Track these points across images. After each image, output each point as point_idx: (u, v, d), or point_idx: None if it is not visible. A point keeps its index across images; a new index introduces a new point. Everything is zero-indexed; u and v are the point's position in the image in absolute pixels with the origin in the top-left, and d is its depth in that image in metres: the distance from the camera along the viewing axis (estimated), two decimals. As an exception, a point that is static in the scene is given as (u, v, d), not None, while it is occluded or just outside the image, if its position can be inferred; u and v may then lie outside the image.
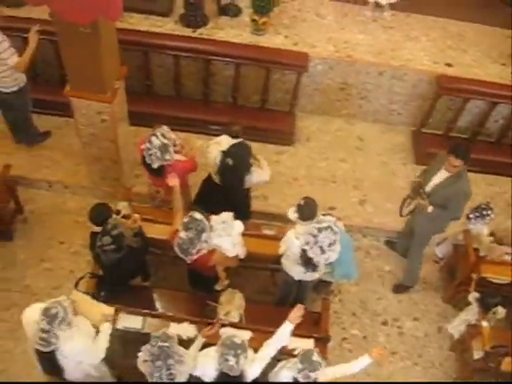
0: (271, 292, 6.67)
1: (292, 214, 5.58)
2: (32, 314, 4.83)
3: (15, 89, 6.85)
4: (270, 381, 5.15)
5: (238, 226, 5.61)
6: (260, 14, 7.46)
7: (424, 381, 6.55)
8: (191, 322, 5.63)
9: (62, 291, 5.88)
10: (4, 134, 7.52)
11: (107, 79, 6.16)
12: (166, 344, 4.70)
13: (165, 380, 4.72)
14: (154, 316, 5.77)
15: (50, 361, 4.93)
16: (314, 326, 5.83)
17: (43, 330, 4.67)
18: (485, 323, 6.06)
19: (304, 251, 5.38)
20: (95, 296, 5.72)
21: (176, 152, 5.92)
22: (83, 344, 4.98)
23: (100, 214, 5.52)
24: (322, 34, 7.79)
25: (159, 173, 5.92)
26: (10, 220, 7.10)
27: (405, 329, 6.86)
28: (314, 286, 6.27)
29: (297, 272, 5.76)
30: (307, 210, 5.49)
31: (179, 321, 5.65)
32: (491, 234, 6.68)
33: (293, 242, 5.53)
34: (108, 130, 6.58)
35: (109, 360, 5.81)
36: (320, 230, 5.26)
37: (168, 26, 7.64)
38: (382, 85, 7.80)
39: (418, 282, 7.02)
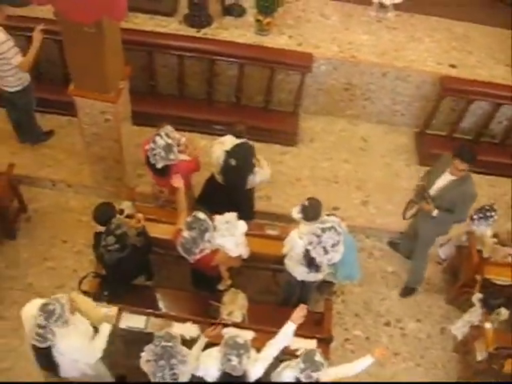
0: (274, 292, 6.67)
1: (296, 214, 5.58)
2: (30, 309, 4.86)
3: (19, 88, 6.86)
4: (273, 381, 5.14)
5: (242, 226, 5.61)
6: (264, 15, 7.46)
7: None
8: (194, 322, 5.64)
9: (65, 290, 5.88)
10: (8, 134, 7.54)
11: (111, 79, 6.17)
12: (170, 344, 4.71)
13: (168, 380, 4.72)
14: (156, 316, 5.77)
15: (46, 357, 4.95)
16: (316, 327, 5.83)
17: (40, 326, 4.68)
18: (488, 325, 6.05)
19: (307, 251, 5.38)
20: (98, 295, 5.75)
21: (180, 152, 5.93)
22: (79, 343, 4.98)
23: (104, 214, 5.52)
24: (326, 35, 7.79)
25: (163, 173, 5.92)
26: (14, 219, 7.12)
27: (408, 330, 6.86)
28: (317, 286, 6.27)
29: (300, 272, 5.76)
30: (311, 211, 5.49)
31: (182, 320, 5.65)
32: (495, 236, 6.68)
33: (296, 242, 5.53)
34: (111, 130, 6.59)
35: (111, 359, 5.85)
36: (324, 230, 5.26)
37: (172, 26, 7.65)
38: (386, 86, 7.80)
39: (422, 283, 7.01)
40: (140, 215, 5.72)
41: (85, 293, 5.77)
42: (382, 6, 7.94)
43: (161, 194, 6.40)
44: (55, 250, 7.05)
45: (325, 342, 5.69)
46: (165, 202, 6.44)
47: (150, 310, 5.78)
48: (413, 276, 6.95)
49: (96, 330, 5.23)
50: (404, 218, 6.71)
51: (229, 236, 5.48)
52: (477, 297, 6.22)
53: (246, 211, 6.22)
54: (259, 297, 6.55)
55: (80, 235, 7.07)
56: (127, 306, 5.75)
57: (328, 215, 5.60)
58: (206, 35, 7.59)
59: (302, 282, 5.91)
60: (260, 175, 6.27)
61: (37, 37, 6.61)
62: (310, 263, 5.46)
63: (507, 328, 6.29)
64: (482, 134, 7.95)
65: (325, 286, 6.56)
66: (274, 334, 5.11)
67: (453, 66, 7.66)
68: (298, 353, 4.94)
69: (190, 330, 5.55)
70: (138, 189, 6.97)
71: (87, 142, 6.84)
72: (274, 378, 5.12)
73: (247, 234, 5.72)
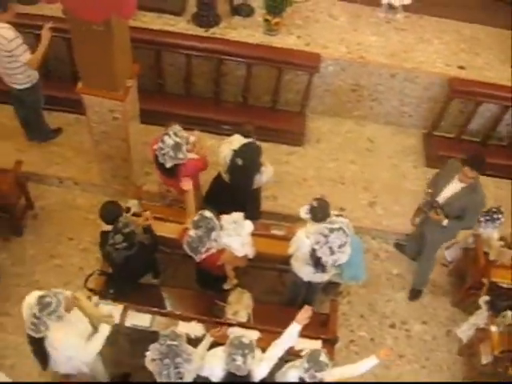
0: (279, 292, 6.68)
1: (304, 215, 5.57)
2: (30, 299, 4.89)
3: (28, 85, 6.88)
4: (277, 381, 5.15)
5: (248, 225, 5.60)
6: (273, 14, 7.45)
7: (431, 384, 6.55)
8: (199, 321, 5.65)
9: (71, 288, 5.89)
10: (17, 131, 7.56)
11: (119, 77, 6.18)
12: (175, 342, 4.71)
13: (173, 378, 4.73)
14: (162, 314, 5.78)
15: (38, 347, 4.99)
16: (321, 328, 5.82)
17: (34, 316, 4.73)
18: (494, 328, 6.03)
19: (314, 250, 5.37)
20: (104, 293, 5.76)
21: (188, 150, 5.93)
22: (74, 340, 4.99)
23: (111, 213, 5.53)
24: (335, 35, 7.77)
25: (172, 172, 5.92)
26: (21, 216, 7.15)
27: (413, 332, 6.84)
28: (322, 287, 6.26)
29: (306, 273, 5.75)
30: (320, 212, 5.49)
31: (187, 319, 5.66)
32: (501, 238, 6.66)
33: (303, 242, 5.52)
34: (120, 128, 6.60)
35: (116, 358, 5.87)
36: (332, 230, 5.25)
37: (180, 25, 7.65)
38: (394, 87, 7.78)
39: (427, 284, 7.00)
40: (148, 213, 5.73)
41: (91, 290, 5.80)
42: (390, 7, 7.91)
43: (168, 194, 6.41)
44: (62, 248, 7.08)
45: (330, 343, 5.69)
46: (172, 201, 6.45)
47: (156, 309, 5.78)
48: (418, 278, 6.94)
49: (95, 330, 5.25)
50: (412, 225, 6.72)
51: (235, 236, 5.48)
52: (483, 299, 6.19)
53: (252, 211, 6.23)
54: (265, 297, 6.55)
55: (86, 233, 7.09)
56: (133, 305, 5.77)
57: (337, 216, 5.60)
58: (214, 35, 7.59)
59: (308, 282, 5.90)
60: (266, 175, 6.27)
61: (45, 35, 6.63)
62: (317, 263, 5.44)
63: (513, 331, 6.28)
64: (489, 137, 7.92)
65: (330, 286, 6.56)
66: (279, 334, 5.10)
67: (461, 68, 7.64)
68: (303, 353, 4.92)
69: (195, 329, 5.56)
70: (144, 187, 6.97)
71: (96, 140, 6.85)
72: (279, 377, 5.13)
73: (253, 234, 5.71)
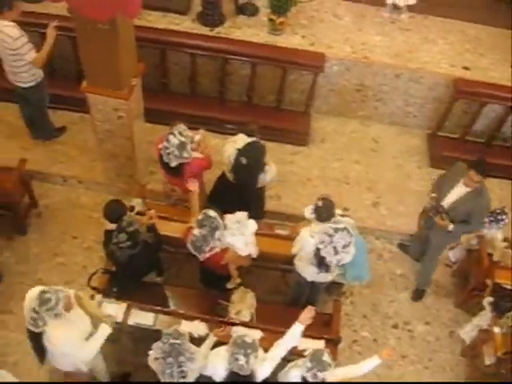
0: (282, 292, 6.68)
1: (309, 214, 5.57)
2: (32, 293, 4.90)
3: (32, 84, 6.89)
4: (280, 380, 5.14)
5: (252, 225, 5.61)
6: (277, 14, 7.45)
7: (434, 384, 6.54)
8: (202, 320, 5.65)
9: (75, 286, 5.90)
10: (21, 129, 7.58)
11: (124, 76, 6.18)
12: (178, 341, 4.71)
13: (176, 377, 4.73)
14: (165, 313, 5.79)
15: (36, 341, 5.01)
16: (324, 328, 5.81)
17: (34, 310, 4.76)
18: (497, 329, 6.02)
19: (318, 250, 5.37)
20: (107, 292, 5.77)
21: (192, 149, 5.93)
22: (73, 340, 5.00)
23: (115, 211, 5.52)
24: (339, 35, 7.77)
25: (177, 171, 5.94)
26: (25, 214, 7.16)
27: (416, 332, 6.83)
28: (326, 287, 6.26)
29: (310, 273, 5.75)
30: (325, 211, 5.49)
31: (190, 318, 5.66)
32: (505, 240, 6.65)
33: (307, 241, 5.51)
34: (124, 127, 6.60)
35: (119, 356, 5.88)
36: (336, 230, 5.25)
37: (185, 24, 7.66)
38: (399, 87, 7.77)
39: (430, 285, 6.99)
40: (152, 212, 5.74)
41: (94, 289, 5.80)
42: (395, 7, 7.91)
43: (173, 193, 6.42)
44: (65, 246, 7.09)
45: (333, 343, 5.69)
46: (177, 201, 6.45)
47: (159, 308, 5.79)
48: (421, 278, 6.93)
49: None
50: (419, 229, 6.71)
51: (239, 235, 5.49)
52: (487, 300, 6.18)
53: (256, 210, 6.23)
54: (268, 296, 6.55)
55: (90, 231, 7.10)
56: (136, 303, 5.77)
57: (341, 216, 5.59)
58: (219, 34, 7.60)
59: (312, 282, 5.90)
60: (270, 174, 6.28)
61: (51, 33, 6.64)
62: (321, 263, 5.44)
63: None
64: (494, 137, 7.90)
65: (334, 287, 6.55)
66: (282, 334, 5.10)
67: (466, 69, 7.63)
68: (306, 353, 4.93)
69: (198, 328, 5.56)
70: (148, 186, 6.99)
71: (100, 138, 6.86)
72: (281, 377, 5.13)
73: (257, 234, 5.72)
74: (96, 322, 5.26)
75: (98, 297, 5.74)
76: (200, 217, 5.34)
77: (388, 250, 7.40)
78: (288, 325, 5.10)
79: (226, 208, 5.57)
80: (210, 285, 6.16)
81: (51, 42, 6.65)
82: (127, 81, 6.29)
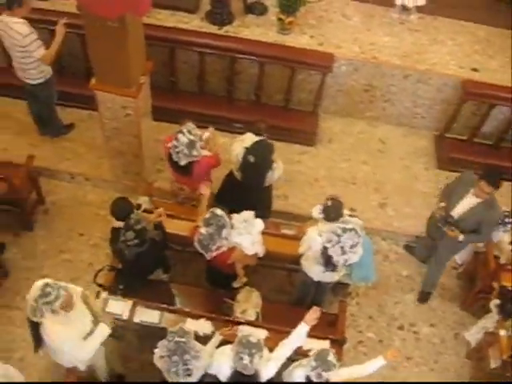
0: (287, 292, 6.68)
1: (317, 214, 5.57)
2: (39, 282, 4.92)
3: (41, 81, 6.91)
4: (284, 380, 5.15)
5: (259, 224, 5.61)
6: (286, 14, 7.44)
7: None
8: (207, 319, 5.65)
9: (81, 283, 5.91)
10: (29, 126, 7.60)
11: (133, 74, 6.19)
12: (183, 339, 4.72)
13: (181, 375, 4.74)
14: (171, 311, 5.79)
15: (34, 330, 5.04)
16: (330, 328, 5.81)
17: (34, 300, 4.80)
18: (503, 332, 5.99)
19: (325, 249, 5.36)
20: (113, 289, 5.78)
21: (201, 148, 5.93)
22: (70, 338, 5.01)
23: (122, 209, 5.52)
24: (348, 35, 7.76)
25: (186, 170, 5.95)
26: (32, 210, 7.18)
27: (421, 334, 6.82)
28: (331, 287, 6.25)
29: (316, 272, 5.74)
30: (333, 211, 5.49)
31: (196, 317, 5.67)
32: (512, 243, 6.62)
33: (315, 240, 5.50)
34: (132, 125, 6.61)
35: (124, 354, 5.89)
36: (345, 230, 5.25)
37: (194, 22, 7.66)
38: (407, 88, 7.75)
39: (436, 287, 6.97)
40: (161, 210, 5.74)
41: (100, 286, 5.82)
42: (404, 8, 7.89)
43: (180, 192, 6.42)
44: (72, 243, 7.11)
45: (338, 344, 5.68)
46: (184, 200, 6.46)
47: (165, 305, 5.80)
48: (428, 281, 6.90)
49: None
50: (427, 235, 6.70)
51: (246, 234, 5.49)
52: (494, 303, 6.15)
53: (263, 209, 6.24)
54: (274, 296, 6.57)
55: (97, 229, 7.12)
56: (142, 301, 5.78)
57: (350, 216, 5.58)
58: (227, 33, 7.60)
59: (318, 282, 5.90)
60: (278, 171, 6.27)
61: (60, 30, 6.65)
62: (327, 262, 5.43)
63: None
64: (502, 139, 7.87)
65: (339, 287, 6.55)
66: (288, 333, 5.11)
67: (475, 70, 7.60)
68: (311, 353, 4.92)
69: (203, 326, 5.57)
70: (155, 184, 7.00)
71: (107, 136, 6.87)
72: (285, 376, 5.14)
73: (263, 233, 5.72)
74: (99, 321, 5.30)
75: (104, 294, 5.75)
76: (207, 215, 5.35)
77: (394, 251, 7.39)
78: (293, 325, 5.10)
79: (233, 207, 5.58)
80: (216, 283, 6.16)
81: (60, 39, 6.66)
82: (136, 79, 6.30)
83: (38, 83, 6.92)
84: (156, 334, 5.32)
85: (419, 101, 7.90)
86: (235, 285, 6.01)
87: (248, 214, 5.55)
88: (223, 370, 4.89)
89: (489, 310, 6.24)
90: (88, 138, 7.69)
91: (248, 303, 5.78)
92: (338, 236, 5.25)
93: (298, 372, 4.94)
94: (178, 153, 5.78)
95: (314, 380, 4.75)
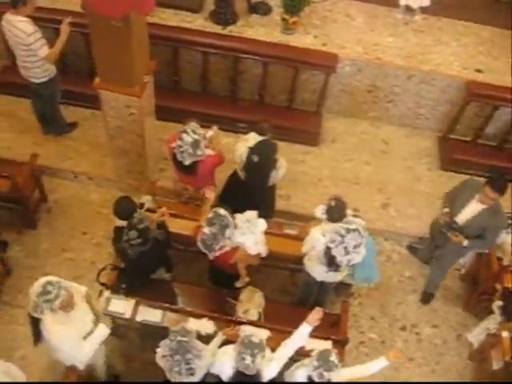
0: (290, 292, 6.68)
1: (320, 214, 5.57)
2: (43, 279, 4.92)
3: (45, 79, 6.92)
4: (286, 380, 5.15)
5: (262, 224, 5.61)
6: (290, 14, 7.44)
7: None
8: (210, 318, 5.66)
9: (83, 282, 5.91)
10: (34, 125, 7.61)
11: (136, 73, 6.19)
12: (185, 339, 4.72)
13: (184, 374, 4.74)
14: (173, 310, 5.80)
15: (34, 325, 5.05)
16: (332, 328, 5.81)
17: (36, 296, 4.81)
18: (505, 333, 5.99)
19: (328, 249, 5.36)
20: (116, 288, 5.79)
21: (205, 147, 5.94)
22: (69, 338, 5.02)
23: (125, 209, 5.52)
24: (352, 36, 7.76)
25: (191, 169, 5.95)
26: (35, 209, 7.19)
27: (423, 335, 6.81)
28: (334, 287, 6.25)
29: (319, 272, 5.74)
30: (337, 212, 5.49)
31: (198, 316, 5.67)
32: (515, 244, 6.61)
33: (318, 240, 5.50)
34: (135, 124, 6.62)
35: (126, 352, 5.89)
36: (348, 231, 5.24)
37: (198, 22, 7.66)
38: (410, 89, 7.75)
39: (439, 289, 6.97)
40: (164, 209, 5.74)
41: (103, 285, 5.83)
42: (408, 8, 7.88)
43: (184, 192, 6.42)
44: (75, 242, 7.11)
45: (340, 344, 5.68)
46: (188, 199, 6.46)
47: (167, 305, 5.80)
48: (430, 283, 6.90)
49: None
50: (431, 237, 6.69)
51: (249, 234, 5.49)
52: (497, 304, 6.14)
53: (266, 209, 6.24)
54: (276, 296, 6.57)
55: (100, 227, 7.12)
56: (144, 300, 5.78)
57: (354, 216, 5.58)
58: (231, 33, 7.60)
59: (321, 282, 5.90)
60: (282, 170, 6.27)
61: (64, 29, 6.66)
62: (331, 262, 5.42)
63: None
64: (506, 141, 7.85)
65: (342, 287, 6.55)
66: (290, 333, 5.11)
67: (479, 71, 7.59)
68: (313, 354, 4.92)
69: (205, 326, 5.57)
70: (159, 183, 6.99)
71: (110, 134, 6.87)
72: (287, 376, 5.14)
73: (266, 233, 5.72)
74: (100, 321, 5.32)
75: (107, 293, 5.76)
76: (210, 215, 5.34)
77: (397, 251, 7.38)
78: (296, 325, 5.10)
79: (236, 207, 5.58)
80: (219, 283, 6.16)
81: (65, 38, 6.67)
82: (139, 78, 6.30)
83: (42, 82, 6.92)
84: (158, 333, 5.33)
85: (423, 101, 7.89)
86: (238, 284, 6.01)
87: (251, 214, 5.55)
88: (225, 370, 4.89)
89: (491, 312, 6.24)
90: (91, 137, 7.69)
91: (250, 303, 5.78)
92: (342, 236, 5.25)
93: (300, 372, 4.94)
94: (182, 152, 5.78)
95: (316, 380, 4.75)
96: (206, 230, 5.30)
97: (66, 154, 7.57)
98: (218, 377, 4.96)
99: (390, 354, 5.13)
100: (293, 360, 5.15)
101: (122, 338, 6.05)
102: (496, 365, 6.01)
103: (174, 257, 6.27)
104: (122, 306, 5.75)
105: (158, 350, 4.86)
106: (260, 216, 5.64)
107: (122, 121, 6.61)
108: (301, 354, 5.26)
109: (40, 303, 4.80)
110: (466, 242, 6.01)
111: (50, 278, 4.91)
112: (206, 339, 5.21)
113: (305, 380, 4.88)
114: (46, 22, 7.02)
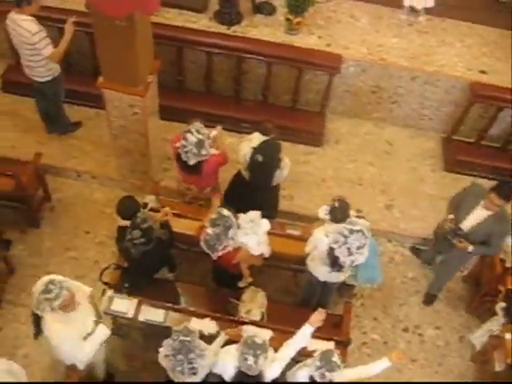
0: (293, 292, 6.68)
1: (323, 215, 5.56)
2: (48, 277, 4.94)
3: (49, 78, 6.93)
4: (288, 381, 5.15)
5: (265, 224, 5.61)
6: (294, 14, 7.44)
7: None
8: (212, 318, 5.66)
9: (86, 281, 5.92)
10: (38, 124, 7.62)
11: (140, 73, 6.20)
12: (188, 338, 4.73)
13: (186, 374, 4.75)
14: (176, 310, 5.80)
15: (35, 321, 5.05)
16: (335, 329, 5.81)
17: (38, 293, 4.83)
18: (508, 335, 5.97)
19: (331, 249, 5.35)
20: (119, 287, 5.79)
21: (209, 146, 5.94)
22: (70, 338, 5.03)
23: (129, 208, 5.51)
24: (356, 36, 7.75)
25: (195, 169, 5.94)
26: (38, 208, 7.20)
27: (426, 337, 6.80)
28: (337, 288, 6.25)
29: (322, 273, 5.74)
30: (340, 213, 5.48)
31: (201, 316, 5.67)
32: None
33: (321, 240, 5.49)
34: (139, 123, 6.62)
35: (129, 352, 5.89)
36: (352, 231, 5.24)
37: (202, 22, 7.67)
38: (414, 90, 7.74)
39: (442, 291, 6.96)
40: (167, 209, 5.75)
41: (106, 284, 5.83)
42: (413, 9, 7.88)
43: (187, 192, 6.42)
44: (78, 241, 7.12)
45: (342, 345, 5.68)
46: (191, 199, 6.46)
47: (170, 304, 5.80)
48: (434, 285, 6.88)
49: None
50: (436, 240, 6.68)
51: (252, 234, 5.48)
52: (500, 306, 6.14)
53: (269, 209, 6.23)
54: (279, 296, 6.58)
55: (103, 227, 7.13)
56: (147, 299, 5.79)
57: (358, 217, 5.58)
58: (235, 33, 7.60)
59: (324, 282, 5.89)
60: (285, 170, 6.27)
61: (68, 29, 6.68)
62: (334, 262, 5.41)
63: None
64: (509, 142, 7.84)
65: (345, 288, 6.55)
66: (292, 334, 5.11)
67: (483, 72, 7.58)
68: (315, 354, 4.92)
69: (208, 326, 5.57)
70: (162, 183, 7.01)
71: (114, 134, 6.88)
72: (289, 376, 5.14)
73: (269, 233, 5.71)
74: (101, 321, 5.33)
75: (110, 292, 5.76)
76: (214, 216, 5.34)
77: (400, 253, 7.37)
78: (298, 325, 5.11)
79: (240, 207, 5.58)
80: (222, 283, 6.16)
81: (69, 37, 6.68)
82: (143, 78, 6.30)
83: (46, 81, 6.93)
84: (161, 332, 5.33)
85: (427, 102, 7.88)
86: (241, 285, 6.01)
87: (254, 214, 5.54)
88: (228, 370, 4.89)
89: (494, 313, 6.23)
90: (95, 136, 7.70)
91: (253, 303, 5.79)
92: (345, 237, 5.24)
93: (302, 372, 4.95)
94: (186, 152, 5.78)
95: (318, 380, 4.75)
96: (210, 230, 5.30)
97: (70, 153, 7.58)
98: (220, 377, 4.97)
99: (393, 355, 5.13)
100: (295, 360, 5.15)
101: (125, 337, 6.06)
102: (498, 366, 6.00)
103: (177, 256, 6.28)
104: (124, 305, 5.75)
105: (161, 349, 4.87)
106: (263, 216, 5.64)
107: (125, 120, 6.62)
108: (303, 355, 5.27)
109: (41, 301, 4.82)
110: (471, 248, 5.99)
111: (53, 276, 4.92)
112: (209, 339, 5.22)
113: (307, 380, 4.88)
114: (51, 21, 7.04)
